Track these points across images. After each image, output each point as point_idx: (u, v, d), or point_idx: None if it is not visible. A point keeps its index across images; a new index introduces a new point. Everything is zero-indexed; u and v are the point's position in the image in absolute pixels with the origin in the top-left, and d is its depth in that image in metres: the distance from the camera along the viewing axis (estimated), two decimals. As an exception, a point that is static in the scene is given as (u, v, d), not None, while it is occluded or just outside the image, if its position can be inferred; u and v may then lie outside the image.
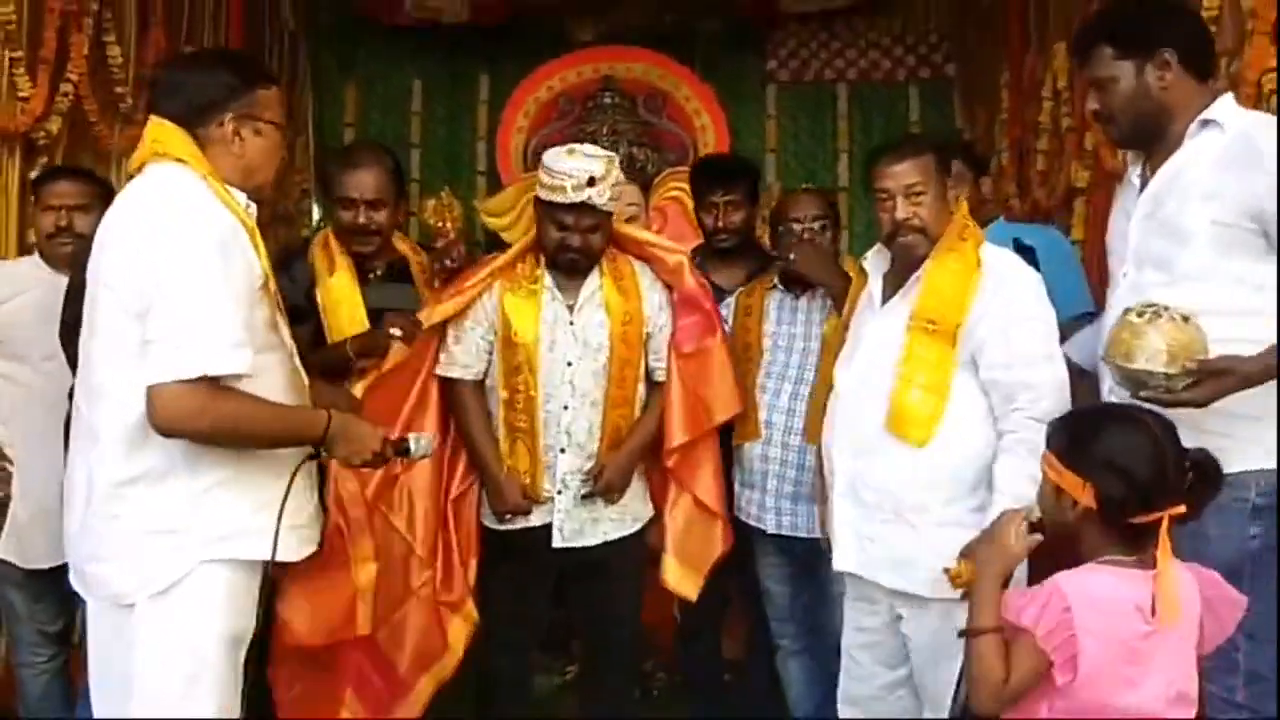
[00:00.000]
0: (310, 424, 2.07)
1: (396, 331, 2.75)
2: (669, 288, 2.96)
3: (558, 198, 2.74)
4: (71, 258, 2.73)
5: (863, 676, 2.67)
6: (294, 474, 2.05)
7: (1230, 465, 2.01)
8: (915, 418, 2.48)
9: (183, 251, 1.92)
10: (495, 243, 4.97)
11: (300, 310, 2.78)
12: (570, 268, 2.84)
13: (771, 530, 2.99)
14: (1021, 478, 2.35)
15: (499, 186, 5.35)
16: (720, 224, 3.36)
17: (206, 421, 1.92)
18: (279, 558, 2.04)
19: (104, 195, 2.78)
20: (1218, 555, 2.05)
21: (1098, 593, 1.78)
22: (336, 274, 2.87)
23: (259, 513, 2.02)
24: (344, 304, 2.86)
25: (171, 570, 1.98)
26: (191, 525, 1.99)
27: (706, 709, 3.46)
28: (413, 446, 2.27)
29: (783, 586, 3.10)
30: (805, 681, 3.13)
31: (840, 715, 2.75)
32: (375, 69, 5.70)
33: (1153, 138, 2.26)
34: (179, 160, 2.01)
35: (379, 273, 2.96)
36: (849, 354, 2.69)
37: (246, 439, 2.00)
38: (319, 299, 2.86)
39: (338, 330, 2.84)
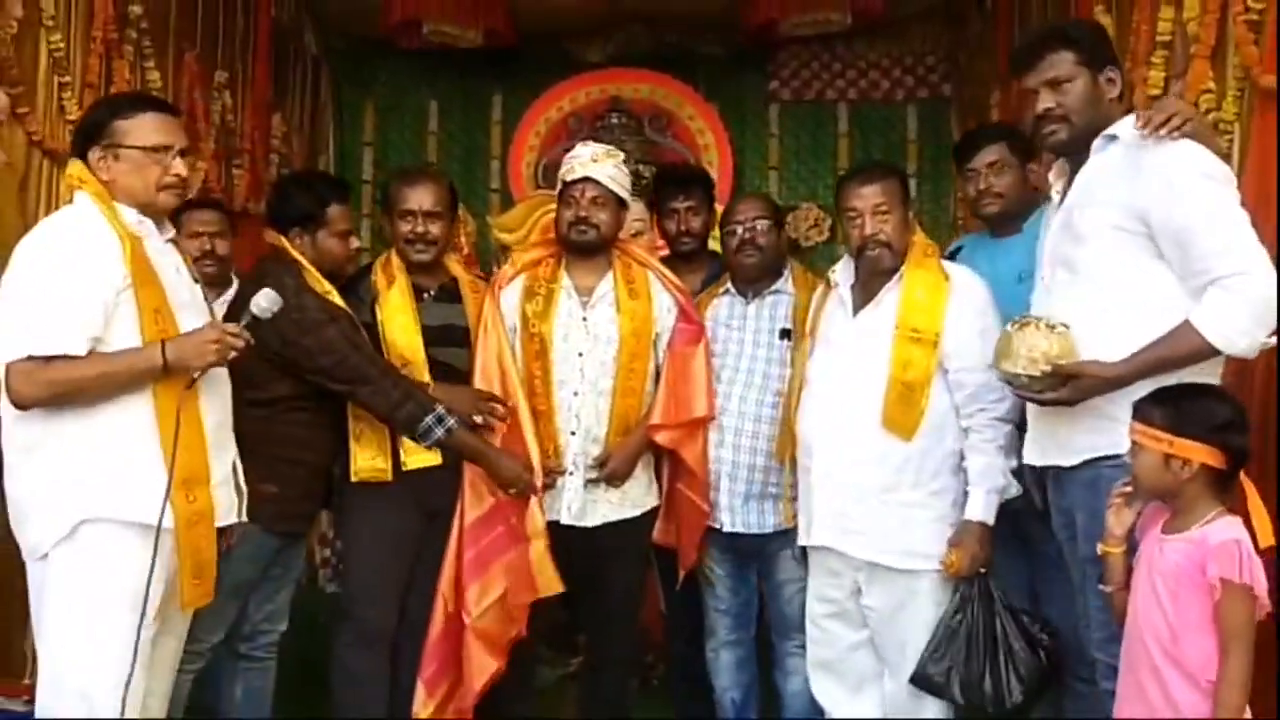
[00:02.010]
0: (146, 356, 2.31)
1: (479, 419, 3.04)
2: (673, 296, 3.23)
3: (568, 176, 3.13)
4: (213, 278, 3.20)
5: (829, 642, 2.94)
6: (176, 432, 2.30)
7: (1119, 448, 2.24)
8: (906, 416, 2.78)
9: (36, 255, 2.34)
10: (507, 256, 5.21)
11: (366, 325, 3.07)
12: (582, 244, 3.13)
13: (727, 529, 3.18)
14: (996, 473, 2.75)
15: (511, 203, 5.54)
16: (683, 228, 3.63)
17: (44, 390, 2.27)
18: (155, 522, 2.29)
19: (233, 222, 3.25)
20: (1097, 529, 2.28)
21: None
22: (393, 289, 3.12)
23: (135, 476, 2.30)
24: (399, 318, 3.10)
25: (57, 528, 2.30)
26: (71, 488, 2.30)
27: (692, 703, 3.60)
28: (257, 311, 2.46)
29: (727, 581, 3.29)
30: (733, 668, 3.33)
31: (811, 678, 3.00)
32: (393, 91, 5.88)
33: (1086, 145, 2.45)
34: (82, 187, 2.42)
35: (432, 292, 3.20)
36: (822, 355, 2.96)
37: (93, 391, 2.29)
38: (378, 314, 3.10)
39: (391, 342, 3.07)
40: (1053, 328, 2.32)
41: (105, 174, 2.44)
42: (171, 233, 2.62)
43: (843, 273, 3.01)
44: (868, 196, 2.87)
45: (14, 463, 2.38)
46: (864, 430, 2.81)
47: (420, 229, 3.14)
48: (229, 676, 3.17)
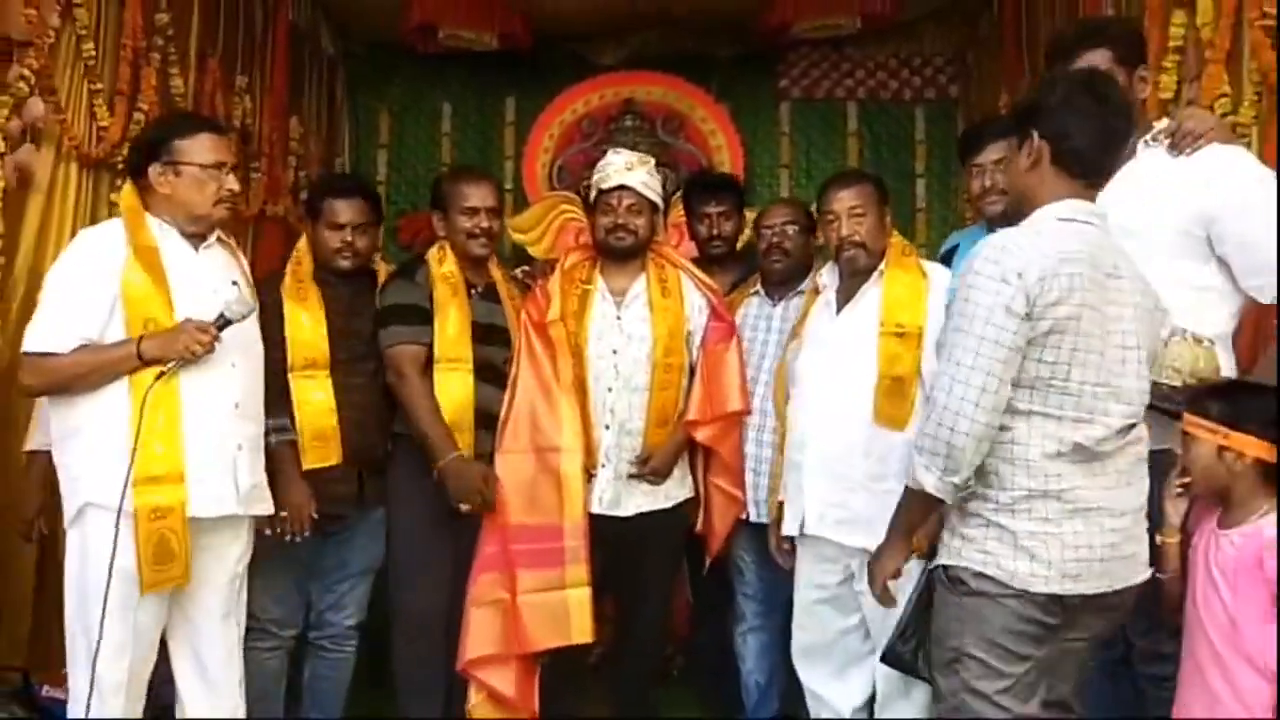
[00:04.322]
0: (124, 349, 2.56)
1: (465, 507, 3.12)
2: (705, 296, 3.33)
3: (604, 184, 3.22)
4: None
5: (817, 628, 3.06)
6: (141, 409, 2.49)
7: (1163, 444, 2.31)
8: (898, 409, 2.88)
9: (56, 265, 2.66)
10: (522, 257, 5.30)
11: (424, 310, 3.17)
12: (620, 248, 3.22)
13: (752, 519, 3.30)
14: None
15: (525, 204, 5.62)
16: (714, 232, 3.72)
17: (39, 380, 2.59)
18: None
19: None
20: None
21: None
22: (449, 284, 3.23)
23: (116, 466, 2.50)
24: (454, 313, 3.20)
25: (70, 509, 2.60)
26: (80, 474, 2.59)
27: (716, 690, 3.75)
28: (227, 313, 2.62)
29: (755, 568, 3.42)
30: (758, 653, 3.46)
31: (796, 665, 3.13)
32: (408, 94, 5.90)
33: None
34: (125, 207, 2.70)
35: (479, 290, 3.30)
36: (809, 354, 3.07)
37: (82, 380, 2.55)
38: (435, 303, 3.20)
39: (441, 332, 3.17)
40: (1199, 341, 2.34)
41: (166, 188, 2.68)
42: (212, 241, 2.76)
43: (828, 275, 3.13)
44: (844, 200, 3.00)
45: (55, 450, 2.66)
46: (854, 424, 2.91)
47: (485, 224, 3.28)
48: (306, 661, 3.34)
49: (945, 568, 2.21)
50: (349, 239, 3.22)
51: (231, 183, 2.72)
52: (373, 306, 3.27)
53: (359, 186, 3.43)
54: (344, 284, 3.27)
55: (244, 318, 2.67)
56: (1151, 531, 2.26)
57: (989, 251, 2.09)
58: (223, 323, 2.61)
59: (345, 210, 3.23)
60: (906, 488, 2.23)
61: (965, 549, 2.17)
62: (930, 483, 2.12)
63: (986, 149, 3.14)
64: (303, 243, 3.33)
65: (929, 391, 2.55)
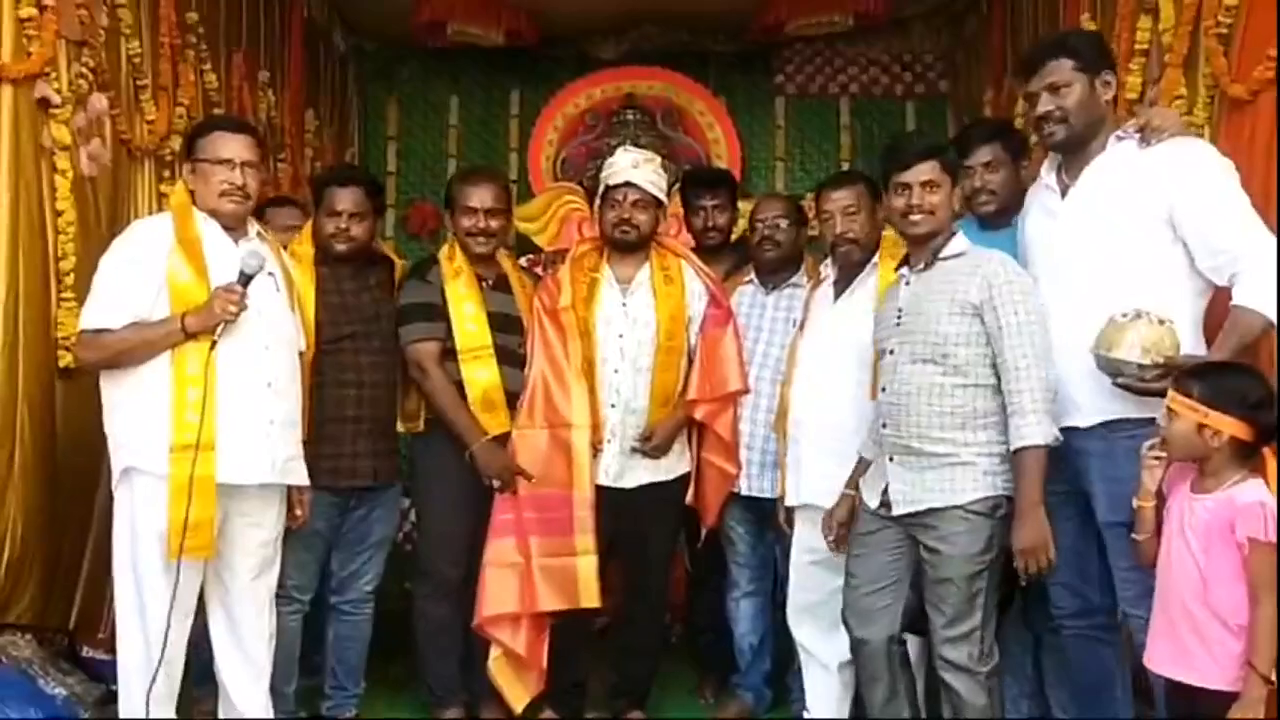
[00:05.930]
0: (168, 324, 2.78)
1: (497, 484, 3.38)
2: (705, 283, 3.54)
3: (611, 180, 3.42)
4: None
5: (813, 587, 3.29)
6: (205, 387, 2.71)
7: (1132, 412, 2.56)
8: None
9: (109, 251, 2.86)
10: (526, 245, 5.50)
11: (438, 308, 3.39)
12: (625, 242, 3.43)
13: (744, 493, 3.54)
14: None
15: (530, 195, 5.81)
16: (709, 224, 3.93)
17: (94, 354, 2.81)
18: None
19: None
20: (1117, 496, 2.59)
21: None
22: (460, 278, 3.44)
23: (158, 434, 2.73)
24: (468, 304, 3.42)
25: (115, 472, 2.82)
26: (123, 441, 2.81)
27: (712, 652, 3.99)
28: (244, 268, 2.80)
29: (746, 539, 3.66)
30: (751, 617, 3.70)
31: (790, 623, 3.37)
32: (416, 87, 6.09)
33: (1083, 143, 2.75)
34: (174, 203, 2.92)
35: (490, 282, 3.52)
36: (809, 338, 3.31)
37: (132, 354, 2.78)
38: (447, 299, 3.41)
39: (461, 327, 3.39)
40: (1163, 322, 2.53)
41: (193, 184, 2.91)
42: (251, 235, 2.98)
43: (830, 267, 3.37)
44: (839, 200, 3.23)
45: (104, 420, 2.87)
46: (848, 401, 3.14)
47: (482, 224, 3.47)
48: (328, 623, 3.57)
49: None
50: (344, 225, 3.40)
51: (234, 177, 2.86)
52: (375, 286, 3.51)
53: (357, 176, 3.64)
54: (345, 265, 3.45)
55: (260, 268, 2.82)
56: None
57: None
58: (244, 279, 2.79)
59: (342, 198, 3.42)
60: (1031, 451, 2.59)
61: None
62: (1051, 435, 2.58)
63: (976, 151, 3.22)
64: (306, 229, 3.52)
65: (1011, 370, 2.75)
